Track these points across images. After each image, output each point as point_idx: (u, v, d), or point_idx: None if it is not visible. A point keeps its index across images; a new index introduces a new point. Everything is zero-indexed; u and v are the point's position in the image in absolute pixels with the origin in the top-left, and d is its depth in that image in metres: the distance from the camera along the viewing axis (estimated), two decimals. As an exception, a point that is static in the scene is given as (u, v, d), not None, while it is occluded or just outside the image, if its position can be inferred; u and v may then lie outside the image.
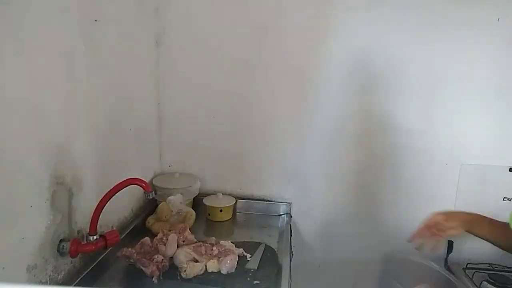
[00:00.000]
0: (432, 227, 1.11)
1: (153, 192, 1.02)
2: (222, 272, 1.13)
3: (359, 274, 1.70)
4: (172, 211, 1.40)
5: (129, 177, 1.03)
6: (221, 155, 1.69)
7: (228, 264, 1.14)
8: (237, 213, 1.65)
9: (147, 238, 1.22)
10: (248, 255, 1.24)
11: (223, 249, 1.21)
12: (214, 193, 1.62)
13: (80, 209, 1.06)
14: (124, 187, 1.01)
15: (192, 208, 1.52)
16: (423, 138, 1.55)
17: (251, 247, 1.28)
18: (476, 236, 1.19)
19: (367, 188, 1.64)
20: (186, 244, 1.22)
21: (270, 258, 1.24)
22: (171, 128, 1.70)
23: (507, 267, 1.53)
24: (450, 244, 1.61)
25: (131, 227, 1.36)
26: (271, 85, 1.59)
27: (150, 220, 1.43)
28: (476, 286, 1.40)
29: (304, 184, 1.66)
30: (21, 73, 0.81)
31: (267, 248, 1.30)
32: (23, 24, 0.81)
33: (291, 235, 1.52)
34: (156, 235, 1.26)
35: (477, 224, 1.17)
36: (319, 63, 1.54)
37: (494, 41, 1.43)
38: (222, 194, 1.60)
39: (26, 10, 0.81)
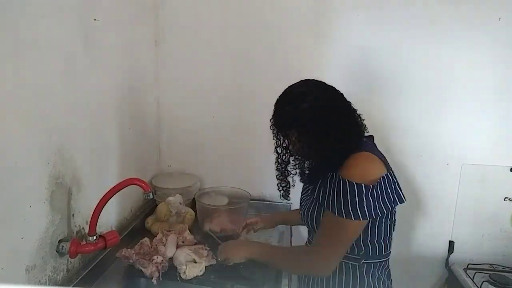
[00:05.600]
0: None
1: (153, 192, 1.02)
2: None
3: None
4: (171, 211, 1.39)
5: (128, 177, 1.02)
6: (220, 155, 1.68)
7: None
8: (237, 214, 1.64)
9: (146, 239, 1.22)
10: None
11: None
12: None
13: (79, 210, 1.05)
14: (124, 187, 1.01)
15: (192, 208, 1.51)
16: (424, 138, 1.55)
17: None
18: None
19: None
20: (186, 245, 1.22)
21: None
22: (170, 128, 1.69)
23: (508, 267, 1.53)
24: (451, 244, 1.61)
25: (130, 228, 1.35)
26: (271, 85, 1.57)
27: (149, 220, 1.43)
28: (477, 286, 1.40)
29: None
30: (20, 72, 0.80)
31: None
32: (23, 24, 0.80)
33: (291, 235, 1.51)
34: (156, 236, 1.25)
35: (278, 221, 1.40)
36: (319, 63, 1.53)
37: (495, 40, 1.43)
38: (215, 193, 1.57)
39: (26, 10, 0.81)
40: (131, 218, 1.42)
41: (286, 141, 1.07)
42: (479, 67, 1.46)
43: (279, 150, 1.10)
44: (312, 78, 1.06)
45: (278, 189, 1.17)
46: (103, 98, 1.18)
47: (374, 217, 0.97)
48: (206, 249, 1.20)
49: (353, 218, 0.94)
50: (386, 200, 0.98)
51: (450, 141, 1.54)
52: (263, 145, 1.64)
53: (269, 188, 1.68)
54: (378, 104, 1.55)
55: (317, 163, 1.08)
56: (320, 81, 1.05)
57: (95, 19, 1.09)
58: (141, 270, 1.10)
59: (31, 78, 0.84)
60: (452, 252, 1.61)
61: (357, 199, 0.94)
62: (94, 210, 1.00)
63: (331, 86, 1.04)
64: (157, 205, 1.45)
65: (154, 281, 1.08)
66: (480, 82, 1.47)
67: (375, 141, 1.15)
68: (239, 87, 1.60)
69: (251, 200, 1.53)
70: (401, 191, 1.02)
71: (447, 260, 1.62)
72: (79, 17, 1.02)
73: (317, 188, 1.06)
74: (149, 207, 1.54)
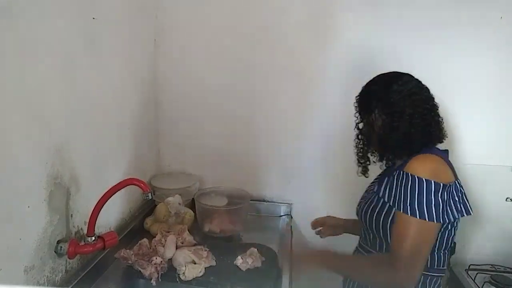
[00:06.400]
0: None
1: (152, 192, 1.01)
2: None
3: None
4: (170, 212, 1.39)
5: (127, 177, 1.02)
6: (220, 155, 1.68)
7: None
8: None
9: (145, 240, 1.21)
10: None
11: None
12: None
13: (78, 210, 1.05)
14: (122, 188, 1.00)
15: (191, 208, 1.50)
16: (425, 138, 1.54)
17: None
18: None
19: (368, 188, 1.63)
20: (185, 246, 1.21)
21: (271, 260, 1.23)
22: (169, 128, 1.69)
23: (510, 268, 1.52)
24: (453, 245, 1.60)
25: (129, 228, 1.35)
26: (271, 85, 1.58)
27: (148, 221, 1.42)
28: (479, 287, 1.39)
29: (304, 184, 1.65)
30: (19, 72, 0.80)
31: (267, 249, 1.29)
32: (23, 24, 0.80)
33: (291, 236, 1.51)
34: (155, 236, 1.25)
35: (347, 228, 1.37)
36: (319, 63, 1.53)
37: (496, 39, 1.42)
38: (215, 193, 1.56)
39: (26, 10, 0.80)
40: (130, 219, 1.42)
41: (369, 118, 1.07)
42: (480, 67, 1.46)
43: (360, 126, 1.11)
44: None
45: (357, 164, 1.16)
46: (102, 97, 1.17)
47: (444, 221, 0.93)
48: (205, 250, 1.20)
49: (427, 218, 0.90)
50: (453, 207, 0.95)
51: (451, 141, 1.53)
52: (263, 145, 1.64)
53: (269, 188, 1.68)
54: (379, 104, 1.54)
55: (392, 148, 1.05)
56: (415, 78, 1.06)
57: (94, 18, 1.08)
58: (140, 271, 1.09)
59: (30, 78, 0.83)
60: (454, 253, 1.60)
61: (425, 198, 0.91)
62: (93, 211, 0.99)
63: (424, 85, 1.06)
64: (156, 205, 1.45)
65: (153, 282, 1.07)
66: (482, 81, 1.47)
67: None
68: (238, 87, 1.60)
69: (251, 200, 1.52)
70: (468, 203, 1.00)
71: (448, 261, 1.61)
72: (79, 17, 1.02)
73: (385, 187, 1.03)
74: (148, 207, 1.53)
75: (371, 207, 1.06)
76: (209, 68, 1.60)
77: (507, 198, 1.53)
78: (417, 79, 1.06)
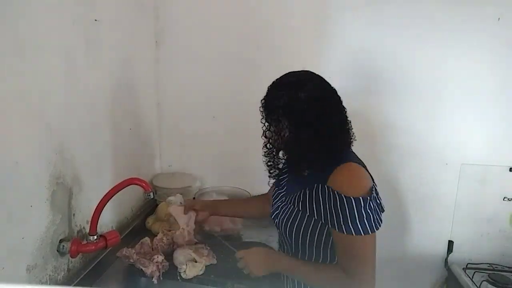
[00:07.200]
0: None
1: (153, 192, 1.02)
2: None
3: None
4: (172, 211, 1.40)
5: (129, 177, 1.03)
6: (221, 155, 1.69)
7: None
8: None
9: (147, 238, 1.22)
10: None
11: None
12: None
13: (80, 209, 1.06)
14: (124, 187, 1.01)
15: (192, 208, 1.51)
16: (423, 138, 1.55)
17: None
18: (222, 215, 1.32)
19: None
20: (186, 244, 1.22)
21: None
22: (171, 128, 1.70)
23: (507, 267, 1.53)
24: (450, 244, 1.61)
25: (131, 227, 1.36)
26: (271, 85, 1.59)
27: (150, 220, 1.43)
28: (476, 286, 1.40)
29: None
30: (21, 72, 0.81)
31: (266, 247, 1.30)
32: (23, 24, 0.81)
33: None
34: (156, 235, 1.26)
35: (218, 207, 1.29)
36: (319, 63, 1.54)
37: (494, 40, 1.43)
38: (215, 193, 1.57)
39: (26, 10, 0.81)
40: (132, 218, 1.43)
41: (275, 126, 1.00)
42: (479, 67, 1.47)
43: (268, 134, 1.03)
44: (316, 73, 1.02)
45: (268, 175, 1.10)
46: (104, 98, 1.18)
47: (377, 228, 0.93)
48: (206, 249, 1.21)
49: (362, 233, 0.90)
50: (378, 210, 0.96)
51: (449, 141, 1.54)
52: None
53: (269, 188, 1.68)
54: (378, 104, 1.55)
55: (300, 159, 1.01)
56: (323, 78, 1.01)
57: (95, 20, 1.09)
58: (141, 269, 1.10)
59: (32, 78, 0.84)
60: (451, 251, 1.62)
61: (356, 214, 0.90)
62: (95, 210, 1.00)
63: (332, 87, 1.01)
64: (158, 204, 1.46)
65: (155, 280, 1.08)
66: (480, 82, 1.48)
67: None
68: (239, 87, 1.61)
69: (251, 200, 1.53)
70: (380, 200, 1.00)
71: (446, 259, 1.63)
72: (80, 17, 1.02)
73: (299, 197, 1.01)
74: (149, 206, 1.54)
75: (299, 223, 1.01)
76: (209, 69, 1.61)
77: (504, 198, 1.55)
78: (326, 82, 1.00)
